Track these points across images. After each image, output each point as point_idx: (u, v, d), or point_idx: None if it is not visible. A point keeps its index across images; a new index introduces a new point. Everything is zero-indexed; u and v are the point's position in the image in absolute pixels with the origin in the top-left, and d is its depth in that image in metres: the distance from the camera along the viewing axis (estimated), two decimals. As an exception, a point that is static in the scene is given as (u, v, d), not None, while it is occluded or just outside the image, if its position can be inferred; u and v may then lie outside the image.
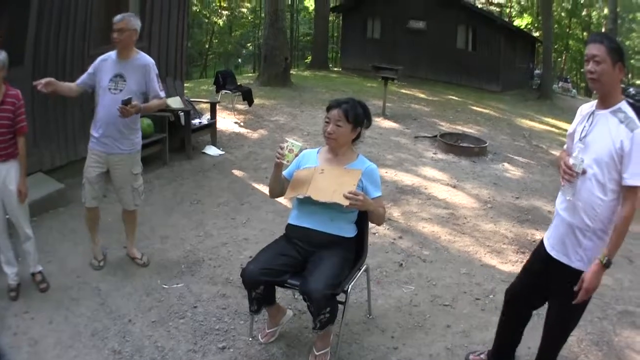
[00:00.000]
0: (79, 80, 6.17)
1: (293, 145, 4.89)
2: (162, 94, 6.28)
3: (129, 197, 6.50)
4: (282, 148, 4.90)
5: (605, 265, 3.99)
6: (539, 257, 4.68)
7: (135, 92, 6.00)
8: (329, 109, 5.04)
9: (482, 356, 5.32)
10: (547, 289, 4.58)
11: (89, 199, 6.36)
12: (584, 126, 4.28)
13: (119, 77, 6.01)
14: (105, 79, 6.01)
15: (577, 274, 4.20)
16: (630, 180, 3.92)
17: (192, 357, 5.11)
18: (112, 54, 6.10)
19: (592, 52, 4.05)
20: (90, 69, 6.12)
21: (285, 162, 4.90)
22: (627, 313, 6.36)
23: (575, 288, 4.11)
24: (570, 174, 4.14)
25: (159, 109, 6.74)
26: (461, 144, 13.89)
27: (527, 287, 4.84)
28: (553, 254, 4.43)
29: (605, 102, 4.16)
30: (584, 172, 4.10)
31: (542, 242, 4.68)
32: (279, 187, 5.20)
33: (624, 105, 4.09)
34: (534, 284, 4.73)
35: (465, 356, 5.39)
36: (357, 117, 4.98)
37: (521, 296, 4.90)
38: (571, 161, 4.14)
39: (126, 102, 5.74)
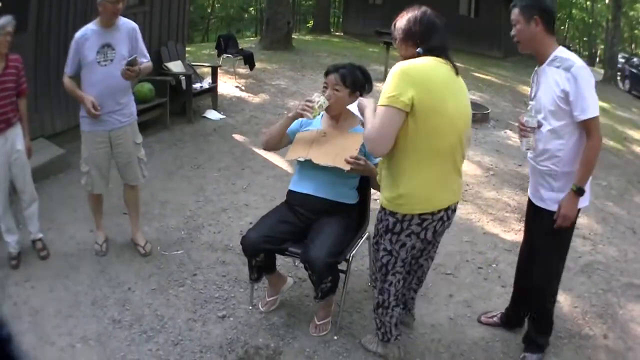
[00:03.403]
0: (69, 70, 5.75)
1: (324, 103, 4.77)
2: (148, 56, 6.02)
3: (137, 169, 6.18)
4: (311, 101, 4.76)
5: (576, 191, 4.22)
6: (528, 212, 4.90)
7: (126, 58, 5.65)
8: (327, 74, 4.98)
9: (495, 319, 5.36)
10: None
11: (99, 186, 6.12)
12: (532, 87, 4.59)
13: (106, 47, 5.64)
14: (91, 53, 5.61)
15: (548, 213, 4.42)
16: (582, 115, 4.11)
17: (192, 326, 5.07)
18: (91, 26, 5.69)
19: (511, 18, 4.36)
20: (72, 53, 5.69)
21: (312, 117, 4.77)
22: (632, 286, 6.32)
23: (555, 217, 4.34)
24: (524, 129, 4.40)
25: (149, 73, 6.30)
26: (464, 111, 13.76)
27: (527, 245, 4.99)
28: (534, 200, 4.63)
29: (541, 58, 4.39)
30: (539, 126, 4.37)
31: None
32: (279, 139, 5.11)
33: (558, 51, 4.29)
34: (531, 238, 4.92)
35: (477, 317, 5.43)
36: (356, 81, 4.89)
37: (525, 256, 5.03)
38: (524, 118, 4.41)
39: (132, 63, 5.50)
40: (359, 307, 5.39)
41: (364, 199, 5.23)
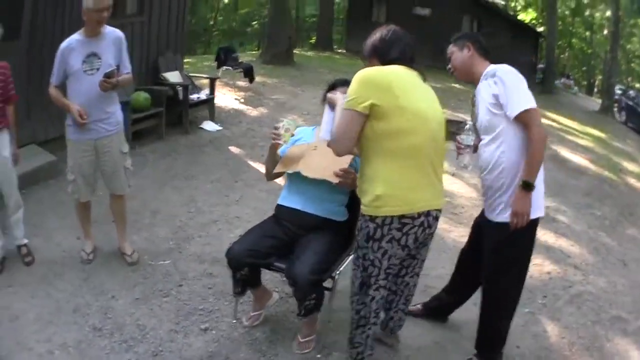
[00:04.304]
0: (55, 80, 5.69)
1: (289, 124, 4.82)
2: (130, 67, 5.99)
3: (122, 179, 6.12)
4: (277, 128, 4.83)
5: (524, 186, 4.25)
6: (477, 221, 5.16)
7: (112, 66, 5.64)
8: (335, 86, 4.95)
9: (417, 306, 5.71)
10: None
11: (86, 194, 6.07)
12: (472, 110, 4.82)
13: (92, 56, 5.60)
14: (77, 62, 5.57)
15: (502, 226, 4.46)
16: (514, 111, 4.22)
17: (174, 338, 5.01)
18: (76, 36, 5.65)
19: (447, 53, 4.79)
20: (57, 64, 5.64)
21: (282, 142, 4.84)
22: (620, 319, 6.29)
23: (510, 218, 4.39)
24: (459, 146, 4.80)
25: (129, 84, 6.38)
26: (463, 133, 13.69)
27: (471, 247, 5.23)
28: (487, 214, 4.66)
29: (476, 80, 4.61)
30: (475, 146, 4.74)
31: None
32: (273, 169, 5.10)
33: (488, 68, 4.51)
34: (474, 244, 5.09)
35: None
36: None
37: (466, 255, 5.31)
38: (461, 136, 4.76)
39: (110, 75, 5.48)
40: (345, 327, 5.27)
41: (354, 217, 5.16)
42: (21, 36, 8.08)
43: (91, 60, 5.56)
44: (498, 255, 4.58)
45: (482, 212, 4.88)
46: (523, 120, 4.22)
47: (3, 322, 5.00)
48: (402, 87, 3.93)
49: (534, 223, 4.47)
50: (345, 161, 4.61)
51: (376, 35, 4.30)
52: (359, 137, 3.93)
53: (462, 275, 5.39)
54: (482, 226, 4.83)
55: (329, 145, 4.06)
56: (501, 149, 4.34)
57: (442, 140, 4.16)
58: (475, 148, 4.73)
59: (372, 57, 4.26)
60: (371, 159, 4.00)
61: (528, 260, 4.71)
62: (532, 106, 4.23)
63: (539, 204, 4.45)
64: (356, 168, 4.69)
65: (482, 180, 4.64)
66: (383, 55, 4.18)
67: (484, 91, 4.42)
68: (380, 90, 3.85)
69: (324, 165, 4.72)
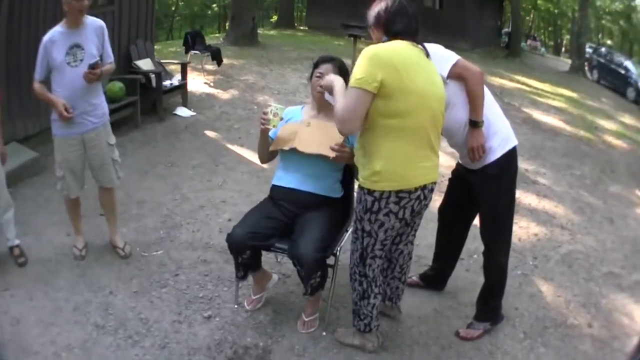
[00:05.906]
0: (39, 75, 5.57)
1: (277, 109, 4.80)
2: (112, 57, 5.92)
3: (111, 171, 6.02)
4: (266, 113, 4.81)
5: (472, 124, 4.55)
6: (455, 176, 5.30)
7: (96, 56, 5.57)
8: (318, 64, 4.98)
9: (414, 278, 5.79)
10: (468, 200, 5.07)
11: (75, 190, 5.96)
12: None
13: (75, 47, 5.49)
14: (60, 55, 5.45)
15: (487, 167, 4.67)
16: (444, 72, 4.41)
17: (178, 328, 4.99)
18: (58, 28, 5.52)
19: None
20: (40, 58, 5.51)
21: (271, 127, 4.81)
22: (612, 275, 6.44)
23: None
24: None
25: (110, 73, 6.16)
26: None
27: (450, 203, 5.41)
28: (470, 167, 4.85)
29: None
30: None
31: (457, 164, 5.22)
32: (267, 151, 5.12)
33: None
34: (455, 199, 5.35)
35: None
36: (348, 72, 4.86)
37: (447, 211, 5.44)
38: None
39: (94, 66, 5.40)
40: (345, 302, 5.32)
41: (349, 192, 5.21)
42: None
43: (74, 51, 5.46)
44: (490, 191, 4.77)
45: (457, 168, 5.18)
46: (456, 75, 4.44)
47: (5, 328, 4.91)
48: (407, 68, 3.94)
49: (513, 153, 4.71)
50: (339, 136, 4.56)
51: (381, 5, 4.23)
52: None
53: (446, 234, 5.54)
54: (464, 178, 5.01)
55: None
56: (454, 111, 4.54)
57: (440, 116, 4.19)
58: None
59: (376, 27, 4.27)
60: (371, 134, 4.02)
61: (515, 188, 4.93)
62: (456, 59, 4.49)
63: (508, 135, 4.73)
64: (350, 142, 4.70)
65: (456, 146, 4.85)
66: (387, 27, 4.16)
67: None
68: (388, 70, 3.85)
69: (319, 140, 4.73)
